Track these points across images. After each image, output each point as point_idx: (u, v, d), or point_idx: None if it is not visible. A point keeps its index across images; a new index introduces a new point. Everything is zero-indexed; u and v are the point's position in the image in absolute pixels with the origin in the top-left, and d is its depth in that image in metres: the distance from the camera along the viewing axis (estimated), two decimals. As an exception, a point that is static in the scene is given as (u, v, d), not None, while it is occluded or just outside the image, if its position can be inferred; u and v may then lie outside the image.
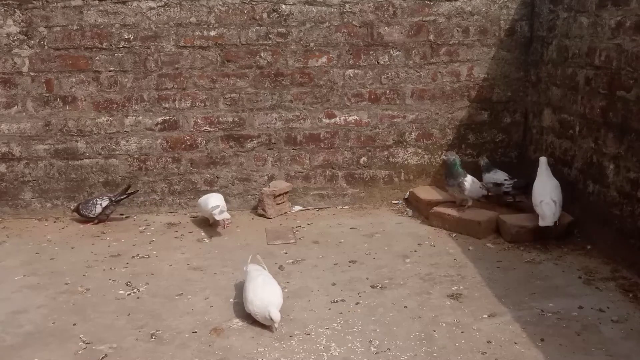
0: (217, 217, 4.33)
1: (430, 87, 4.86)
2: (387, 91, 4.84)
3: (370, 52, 4.76)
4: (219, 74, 4.70)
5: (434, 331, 2.97)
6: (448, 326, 3.02)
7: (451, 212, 4.37)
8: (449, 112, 4.93)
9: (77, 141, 4.72)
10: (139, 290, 3.50)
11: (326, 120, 4.86)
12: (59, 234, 4.48)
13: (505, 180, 4.55)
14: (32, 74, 4.59)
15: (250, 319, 3.06)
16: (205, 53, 4.66)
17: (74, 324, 3.11)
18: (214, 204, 4.37)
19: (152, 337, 2.97)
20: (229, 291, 3.46)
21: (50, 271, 3.80)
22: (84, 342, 2.93)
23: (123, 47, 4.59)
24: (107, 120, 4.71)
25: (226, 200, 4.57)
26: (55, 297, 3.44)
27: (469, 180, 4.34)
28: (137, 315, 3.20)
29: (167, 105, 4.72)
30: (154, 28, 4.58)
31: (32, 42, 4.53)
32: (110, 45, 4.59)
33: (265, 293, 3.03)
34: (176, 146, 4.80)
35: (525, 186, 4.44)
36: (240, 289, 3.34)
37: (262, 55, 4.69)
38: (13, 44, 4.53)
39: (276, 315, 2.93)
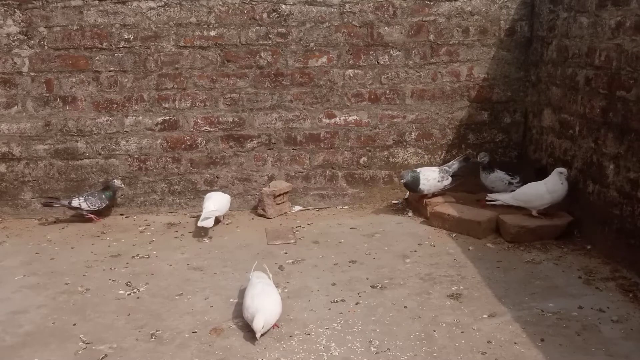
0: (198, 224, 4.29)
1: (430, 87, 4.86)
2: (387, 91, 4.84)
3: (370, 52, 4.76)
4: (219, 74, 4.70)
5: (434, 331, 2.97)
6: (448, 326, 3.02)
7: (451, 212, 4.37)
8: (449, 112, 4.93)
9: (77, 141, 4.73)
10: (139, 290, 3.50)
11: (326, 120, 4.86)
12: (59, 234, 4.48)
13: (513, 179, 4.60)
14: (32, 74, 4.59)
15: (250, 319, 3.06)
16: (205, 53, 4.66)
17: (74, 324, 3.11)
18: (207, 207, 4.36)
19: (152, 337, 2.97)
20: (229, 291, 3.46)
21: (50, 271, 3.80)
22: (84, 342, 2.93)
23: (123, 47, 4.59)
24: (107, 120, 4.71)
25: (226, 200, 4.62)
26: (55, 297, 3.44)
27: (424, 179, 4.48)
28: (137, 315, 3.20)
29: (167, 105, 4.73)
30: (154, 28, 4.59)
31: (32, 42, 4.54)
32: (110, 45, 4.59)
33: (260, 300, 2.95)
34: (176, 146, 4.80)
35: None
36: (235, 294, 3.35)
37: (262, 55, 4.69)
38: (13, 44, 4.53)
39: (257, 324, 2.83)
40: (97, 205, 4.58)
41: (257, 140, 4.85)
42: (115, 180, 4.66)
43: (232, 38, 4.65)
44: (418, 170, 4.54)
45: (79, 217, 4.68)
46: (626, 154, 3.57)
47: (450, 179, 4.58)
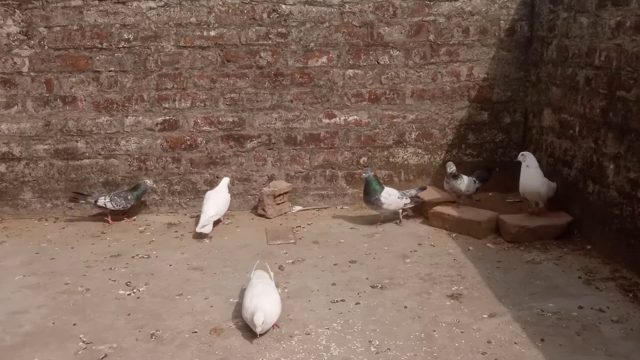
0: (197, 229, 4.29)
1: (430, 87, 4.86)
2: (387, 91, 4.84)
3: (370, 52, 4.76)
4: (219, 74, 4.70)
5: (434, 331, 2.97)
6: (448, 326, 3.02)
7: (451, 212, 4.37)
8: (449, 112, 4.93)
9: (77, 141, 4.73)
10: (139, 290, 3.50)
11: (326, 120, 4.86)
12: (59, 234, 4.48)
13: (475, 181, 4.59)
14: (32, 74, 4.59)
15: (250, 319, 3.05)
16: (205, 53, 4.66)
17: (74, 324, 3.11)
18: (207, 213, 4.35)
19: (152, 337, 2.97)
20: (229, 291, 3.46)
21: (50, 271, 3.80)
22: (84, 342, 2.94)
23: (123, 47, 4.59)
24: (107, 120, 4.71)
25: (226, 201, 4.62)
26: (55, 297, 3.44)
27: (384, 195, 4.38)
28: (137, 315, 3.20)
29: (167, 105, 4.73)
30: (154, 28, 4.59)
31: (32, 42, 4.54)
32: (110, 45, 4.59)
33: (259, 300, 2.95)
34: (176, 146, 4.80)
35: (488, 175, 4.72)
36: (236, 294, 3.34)
37: (262, 55, 4.69)
38: (13, 44, 4.53)
39: (257, 318, 2.83)
40: (122, 205, 4.57)
41: (257, 140, 4.85)
42: (147, 180, 4.65)
43: (232, 38, 4.65)
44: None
45: (114, 215, 4.67)
46: (626, 154, 3.57)
47: (409, 199, 4.50)
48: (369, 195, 4.42)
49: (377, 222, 4.54)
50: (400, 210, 4.52)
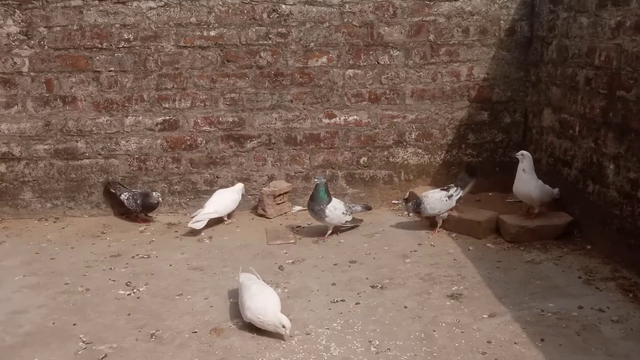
0: (188, 224, 4.33)
1: (430, 87, 4.86)
2: (387, 91, 4.84)
3: (370, 52, 4.76)
4: (219, 74, 4.70)
5: (434, 331, 2.97)
6: (448, 326, 3.02)
7: (451, 212, 4.36)
8: (449, 112, 4.93)
9: (77, 141, 4.73)
10: (139, 290, 3.50)
11: (326, 120, 4.86)
12: (59, 234, 4.48)
13: (452, 195, 4.26)
14: (32, 74, 4.59)
15: (250, 319, 3.05)
16: (205, 53, 4.66)
17: (74, 324, 3.11)
18: (206, 209, 4.41)
19: (152, 337, 2.97)
20: (229, 291, 3.45)
21: (50, 271, 3.80)
22: (84, 342, 2.94)
23: (123, 47, 4.59)
24: (107, 120, 4.71)
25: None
26: (55, 297, 3.44)
27: (330, 208, 4.16)
28: (137, 315, 3.20)
29: (167, 105, 4.73)
30: (154, 28, 4.59)
31: (32, 42, 4.54)
32: (110, 45, 4.59)
33: (264, 298, 2.98)
34: (176, 146, 4.80)
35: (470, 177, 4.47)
36: (234, 294, 3.34)
37: (262, 55, 4.69)
38: (13, 44, 4.53)
39: (288, 322, 2.88)
40: (132, 207, 4.58)
41: (257, 140, 4.85)
42: (154, 192, 4.57)
43: (232, 38, 4.65)
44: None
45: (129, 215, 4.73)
46: (626, 154, 3.57)
47: (351, 216, 4.34)
48: (315, 203, 4.16)
49: (324, 236, 4.29)
50: (339, 226, 4.32)
